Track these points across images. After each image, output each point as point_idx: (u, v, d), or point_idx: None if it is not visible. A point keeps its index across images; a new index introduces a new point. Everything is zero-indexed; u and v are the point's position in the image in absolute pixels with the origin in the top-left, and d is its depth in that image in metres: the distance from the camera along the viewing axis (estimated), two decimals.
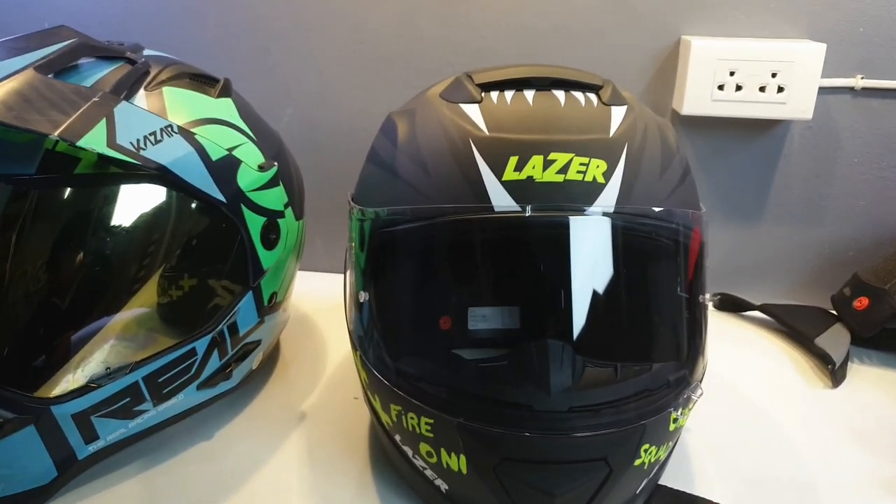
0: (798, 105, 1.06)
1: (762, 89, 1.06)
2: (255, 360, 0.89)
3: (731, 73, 1.06)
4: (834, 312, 1.12)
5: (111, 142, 0.66)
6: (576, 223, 0.65)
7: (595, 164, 0.65)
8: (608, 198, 0.65)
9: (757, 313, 1.18)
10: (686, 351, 0.74)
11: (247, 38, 1.21)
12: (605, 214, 0.66)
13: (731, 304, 1.20)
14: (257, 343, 0.88)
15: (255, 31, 1.21)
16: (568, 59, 1.11)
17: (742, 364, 1.04)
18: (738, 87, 1.07)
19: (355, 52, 1.20)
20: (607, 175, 0.66)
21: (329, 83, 1.22)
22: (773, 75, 1.05)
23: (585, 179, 0.65)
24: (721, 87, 1.07)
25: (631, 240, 0.69)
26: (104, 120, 0.67)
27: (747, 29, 1.10)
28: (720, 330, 1.13)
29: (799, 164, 1.15)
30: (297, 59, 1.22)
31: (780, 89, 1.06)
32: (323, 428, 0.87)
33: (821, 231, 1.19)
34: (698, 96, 1.09)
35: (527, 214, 0.64)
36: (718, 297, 1.21)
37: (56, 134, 0.62)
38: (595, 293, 0.68)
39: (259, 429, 0.87)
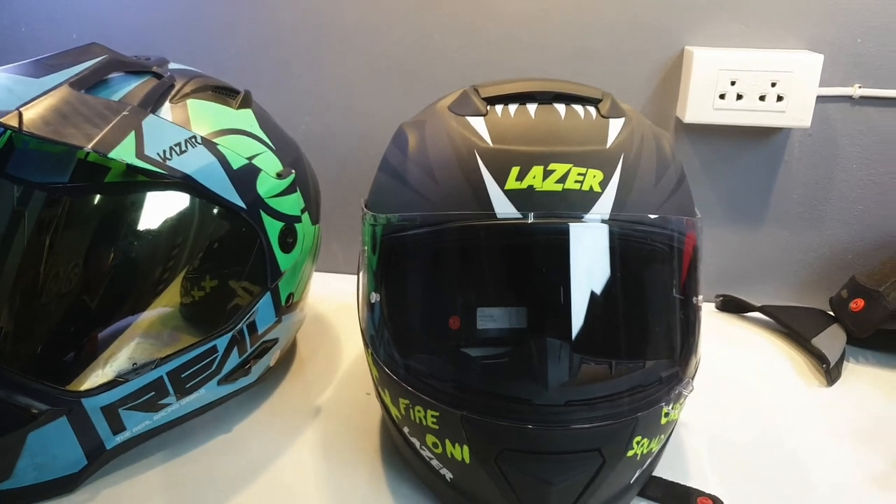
0: (797, 113, 1.10)
1: (762, 98, 1.09)
2: (272, 358, 0.93)
3: (733, 83, 1.10)
4: (832, 314, 1.15)
5: (139, 153, 0.70)
6: (573, 229, 0.69)
7: (592, 174, 0.69)
8: (604, 206, 0.69)
9: (758, 314, 1.21)
10: (679, 350, 0.77)
11: (268, 50, 1.25)
12: (602, 221, 0.69)
13: (733, 306, 1.23)
14: (275, 341, 0.91)
15: (277, 44, 1.24)
16: (577, 70, 1.15)
17: (741, 363, 1.07)
18: (739, 96, 1.10)
19: (372, 64, 1.23)
20: (603, 184, 0.69)
21: (346, 94, 1.26)
22: (773, 84, 1.08)
23: (583, 189, 0.68)
24: (722, 97, 1.10)
25: (627, 245, 0.72)
26: (133, 133, 0.71)
27: (749, 40, 1.13)
28: (722, 330, 1.17)
29: (799, 171, 1.18)
30: (316, 70, 1.25)
31: (780, 98, 1.09)
32: (337, 422, 0.91)
33: (820, 235, 1.22)
34: (701, 105, 1.12)
35: (529, 221, 0.67)
36: (721, 298, 1.25)
37: (89, 147, 0.66)
38: (592, 295, 0.72)
39: (276, 423, 0.90)
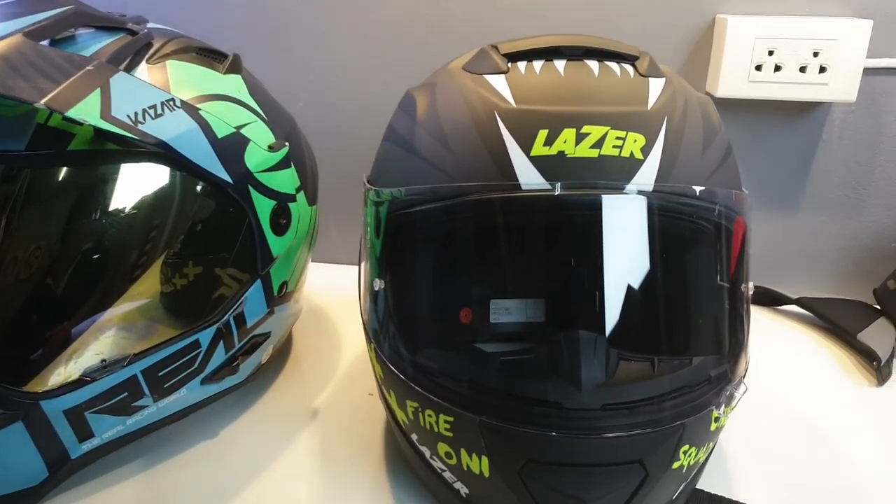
0: (841, 86, 1.01)
1: (803, 69, 1.01)
2: (264, 354, 0.85)
3: (770, 53, 1.01)
4: (877, 306, 1.08)
5: (105, 114, 0.62)
6: (611, 203, 0.60)
7: (633, 138, 0.60)
8: (647, 175, 0.60)
9: (794, 307, 1.13)
10: (728, 345, 0.68)
11: (260, 19, 1.17)
12: (641, 193, 0.60)
13: (767, 298, 1.14)
14: (266, 336, 0.84)
15: (269, 13, 1.17)
16: None
17: (780, 361, 0.98)
18: (777, 68, 1.02)
19: (374, 34, 1.16)
20: (646, 150, 0.60)
21: (346, 68, 1.18)
22: (815, 55, 1.00)
23: (622, 155, 0.60)
24: (759, 68, 1.02)
25: (670, 222, 0.63)
26: (98, 90, 0.62)
27: (787, 6, 1.04)
28: (756, 325, 1.07)
29: (840, 150, 1.11)
30: (312, 42, 1.18)
31: (823, 69, 1.01)
32: (335, 426, 0.83)
33: (862, 220, 1.14)
34: (734, 77, 1.03)
35: (555, 193, 0.59)
36: (753, 290, 1.16)
37: (42, 102, 0.57)
38: (630, 280, 0.63)
39: (267, 427, 0.83)
